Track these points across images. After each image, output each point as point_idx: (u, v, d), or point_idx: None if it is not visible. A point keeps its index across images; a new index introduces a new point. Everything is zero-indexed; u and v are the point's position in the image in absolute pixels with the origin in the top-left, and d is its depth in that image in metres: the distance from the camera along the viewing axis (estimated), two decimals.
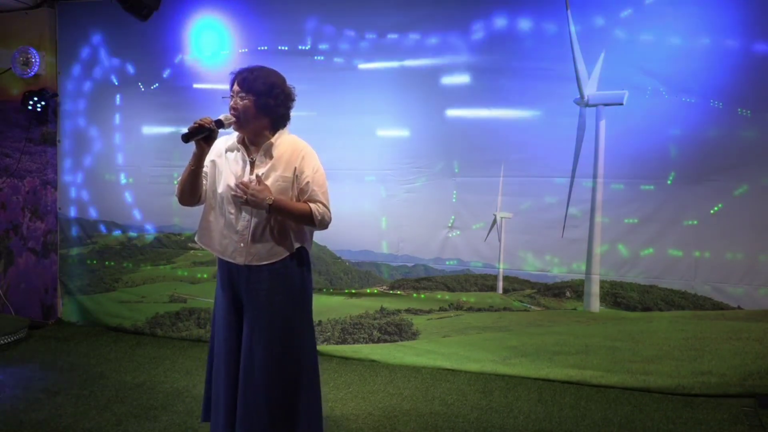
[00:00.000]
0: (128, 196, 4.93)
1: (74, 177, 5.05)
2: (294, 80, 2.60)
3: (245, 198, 2.39)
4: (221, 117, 2.44)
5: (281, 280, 2.50)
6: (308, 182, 2.48)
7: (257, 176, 2.44)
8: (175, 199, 2.60)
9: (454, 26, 4.05)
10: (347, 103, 4.31)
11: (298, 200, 2.50)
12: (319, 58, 4.35)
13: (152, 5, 4.16)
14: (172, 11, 4.55)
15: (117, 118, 4.92)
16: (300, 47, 4.38)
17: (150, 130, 4.82)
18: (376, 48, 4.22)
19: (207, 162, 2.53)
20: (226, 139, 2.59)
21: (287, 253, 2.50)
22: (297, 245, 2.52)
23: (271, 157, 2.49)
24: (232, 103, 2.46)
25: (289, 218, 2.48)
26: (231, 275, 2.55)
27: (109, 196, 4.98)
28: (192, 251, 4.80)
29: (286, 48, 4.41)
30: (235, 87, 2.46)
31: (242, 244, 2.48)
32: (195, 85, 4.63)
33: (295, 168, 2.48)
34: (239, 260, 2.50)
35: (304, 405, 2.55)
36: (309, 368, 2.60)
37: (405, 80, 4.19)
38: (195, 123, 2.38)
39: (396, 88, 4.21)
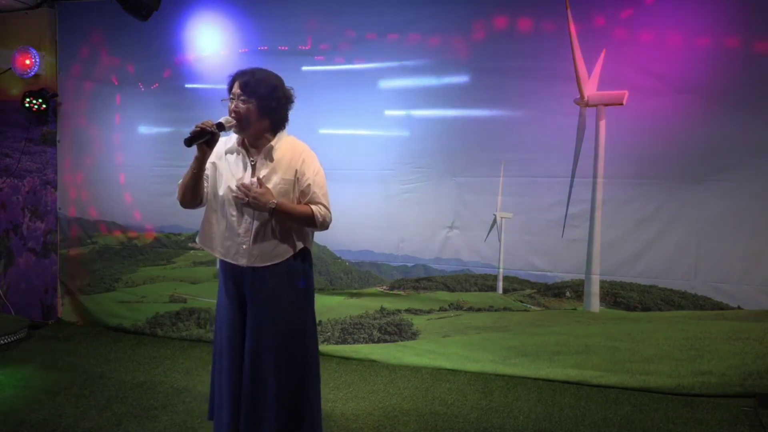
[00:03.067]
0: (128, 196, 4.93)
1: (74, 177, 5.05)
2: (294, 80, 2.60)
3: (247, 200, 2.39)
4: (222, 120, 2.42)
5: (285, 279, 2.51)
6: (309, 184, 2.49)
7: (258, 179, 2.43)
8: (175, 199, 2.60)
9: (454, 26, 4.05)
10: (347, 102, 4.31)
11: (299, 202, 2.50)
12: (319, 58, 4.35)
13: (152, 5, 4.15)
14: (172, 11, 4.54)
15: (117, 118, 4.92)
16: (300, 47, 4.38)
17: (150, 130, 4.82)
18: (376, 48, 4.22)
19: (207, 164, 2.52)
20: (226, 141, 2.57)
21: (290, 254, 2.51)
22: (299, 245, 2.53)
23: (272, 159, 2.49)
24: (232, 106, 2.44)
25: (291, 221, 2.49)
26: (235, 276, 2.55)
27: (109, 196, 4.98)
28: (192, 251, 4.80)
29: (286, 48, 4.40)
30: (236, 90, 2.44)
31: (245, 246, 2.48)
32: (195, 85, 4.63)
33: (296, 171, 2.49)
34: (242, 262, 2.49)
35: (308, 403, 2.56)
36: (313, 367, 2.62)
37: (405, 80, 4.18)
38: (197, 126, 2.37)
39: (396, 87, 4.21)
